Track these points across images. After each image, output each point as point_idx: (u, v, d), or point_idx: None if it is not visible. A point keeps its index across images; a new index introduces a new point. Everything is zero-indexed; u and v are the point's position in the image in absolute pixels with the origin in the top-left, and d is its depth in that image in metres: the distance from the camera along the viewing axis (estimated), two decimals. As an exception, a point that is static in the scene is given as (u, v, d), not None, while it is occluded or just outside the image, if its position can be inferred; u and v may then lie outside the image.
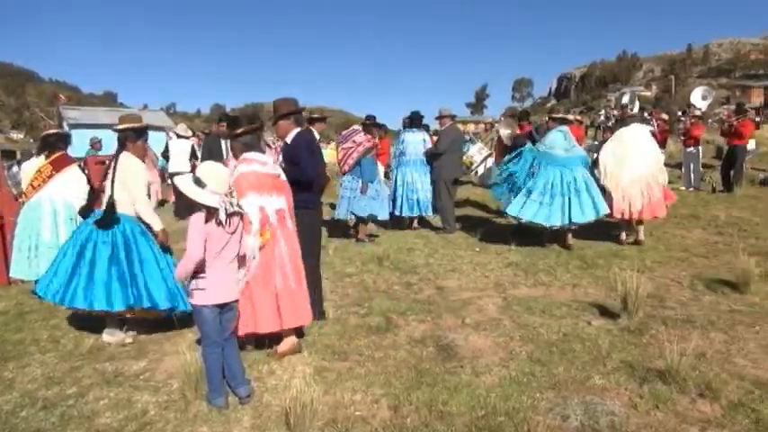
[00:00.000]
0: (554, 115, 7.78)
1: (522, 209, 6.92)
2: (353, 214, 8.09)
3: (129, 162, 4.29)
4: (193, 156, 10.67)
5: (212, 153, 7.19)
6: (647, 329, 4.30)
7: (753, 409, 3.10)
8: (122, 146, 4.37)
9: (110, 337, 4.42)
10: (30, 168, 5.85)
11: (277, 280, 3.84)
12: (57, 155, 5.69)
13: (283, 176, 4.05)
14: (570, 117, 7.86)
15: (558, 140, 7.01)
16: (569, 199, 6.75)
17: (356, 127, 8.35)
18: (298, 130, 4.58)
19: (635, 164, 7.00)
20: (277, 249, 3.87)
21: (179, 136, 11.20)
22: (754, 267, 5.16)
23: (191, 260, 3.15)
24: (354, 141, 8.00)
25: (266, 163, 3.93)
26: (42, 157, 5.73)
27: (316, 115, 7.49)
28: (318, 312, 4.76)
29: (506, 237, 7.76)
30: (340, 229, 8.51)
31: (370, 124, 8.59)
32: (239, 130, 3.90)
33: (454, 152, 8.70)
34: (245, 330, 3.78)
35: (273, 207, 3.87)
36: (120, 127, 4.41)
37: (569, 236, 7.12)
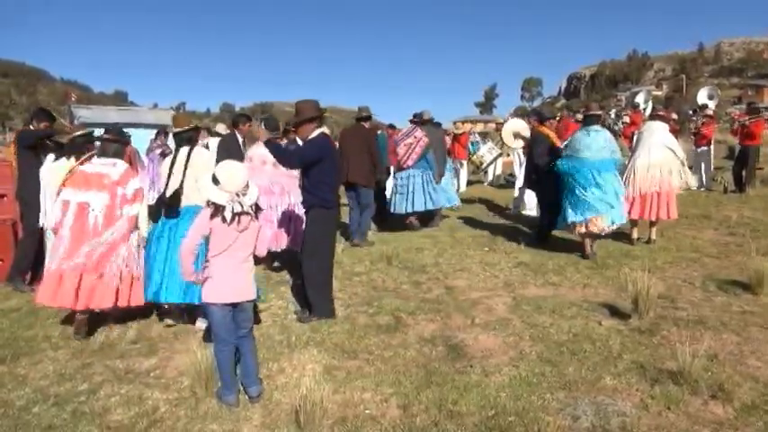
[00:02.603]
0: (587, 113, 7.04)
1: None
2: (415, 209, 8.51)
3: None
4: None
5: (230, 152, 7.21)
6: (658, 330, 4.27)
7: (766, 411, 3.07)
8: (190, 142, 4.79)
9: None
10: (48, 172, 5.76)
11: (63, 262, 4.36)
12: (87, 156, 5.69)
13: (113, 176, 4.51)
14: (599, 112, 7.22)
15: (584, 140, 6.59)
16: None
17: (412, 126, 8.74)
18: (320, 131, 4.74)
19: (653, 150, 7.08)
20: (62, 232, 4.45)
21: (219, 135, 11.21)
22: (766, 268, 5.10)
23: (182, 246, 3.31)
24: (415, 137, 8.49)
25: (96, 163, 4.64)
26: (72, 159, 5.62)
27: (365, 114, 7.99)
28: (329, 311, 4.82)
29: (516, 236, 7.75)
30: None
31: (422, 121, 8.94)
32: (106, 136, 4.77)
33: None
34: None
35: (77, 200, 4.46)
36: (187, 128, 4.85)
37: (593, 246, 6.69)
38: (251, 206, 3.26)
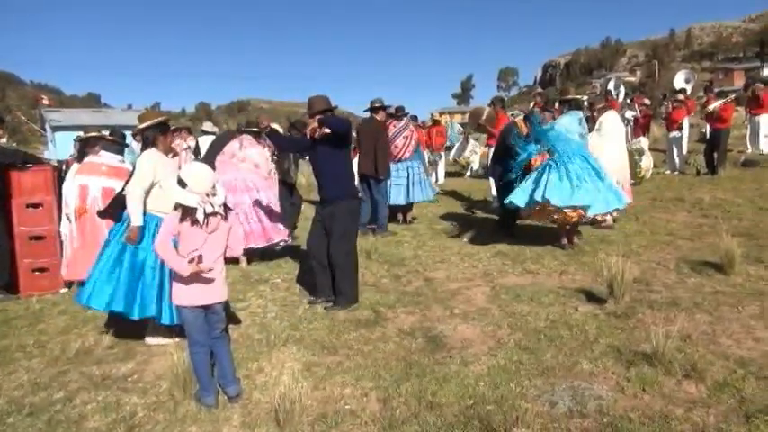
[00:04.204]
0: (566, 97, 7.04)
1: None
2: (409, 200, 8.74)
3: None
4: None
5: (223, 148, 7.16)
6: (633, 313, 4.34)
7: (737, 388, 3.13)
8: (151, 143, 4.24)
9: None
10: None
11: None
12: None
13: (126, 166, 5.56)
14: (582, 98, 7.05)
15: (574, 125, 6.51)
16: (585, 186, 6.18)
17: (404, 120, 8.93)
18: None
19: (612, 154, 7.15)
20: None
21: (206, 132, 11.08)
22: (737, 248, 5.20)
23: (157, 246, 3.23)
24: (411, 130, 8.84)
25: (109, 156, 5.65)
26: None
27: (377, 105, 8.02)
28: (356, 296, 5.01)
29: (494, 226, 7.79)
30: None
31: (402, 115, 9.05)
32: (110, 137, 5.88)
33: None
34: None
35: (99, 186, 5.46)
36: (145, 125, 4.25)
37: (575, 237, 6.62)
38: (220, 206, 3.23)
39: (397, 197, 8.62)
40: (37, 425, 3.29)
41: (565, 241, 6.58)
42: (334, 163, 4.92)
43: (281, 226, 6.63)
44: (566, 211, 6.14)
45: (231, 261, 6.08)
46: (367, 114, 8.18)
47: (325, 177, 5.00)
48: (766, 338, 3.76)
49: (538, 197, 6.19)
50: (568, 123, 6.51)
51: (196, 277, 3.18)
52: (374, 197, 7.96)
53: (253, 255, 6.58)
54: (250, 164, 6.56)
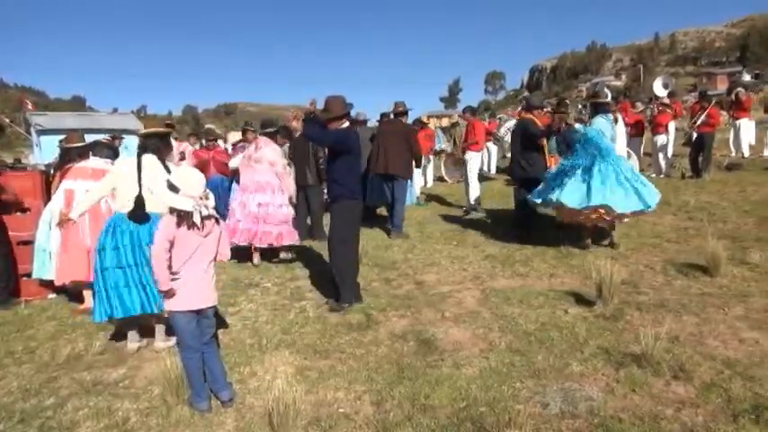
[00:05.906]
0: (597, 100, 7.01)
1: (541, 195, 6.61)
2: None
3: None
4: None
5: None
6: (621, 315, 4.40)
7: (724, 388, 3.20)
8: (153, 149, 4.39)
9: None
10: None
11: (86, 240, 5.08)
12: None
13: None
14: (605, 100, 7.13)
15: (607, 127, 6.60)
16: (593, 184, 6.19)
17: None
18: (347, 124, 5.09)
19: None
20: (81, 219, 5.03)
21: None
22: (722, 251, 5.29)
23: (153, 252, 3.21)
24: None
25: (95, 160, 5.56)
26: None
27: (401, 109, 8.38)
28: (357, 296, 5.14)
29: (483, 229, 7.84)
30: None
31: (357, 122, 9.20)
32: (104, 141, 6.05)
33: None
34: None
35: (84, 189, 5.25)
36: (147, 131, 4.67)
37: (614, 235, 6.62)
38: (213, 208, 3.24)
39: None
40: None
41: (588, 241, 6.63)
42: (334, 165, 5.09)
43: (292, 230, 6.70)
44: (585, 212, 6.25)
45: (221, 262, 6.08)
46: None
47: (328, 178, 5.30)
48: (751, 339, 3.84)
49: (553, 198, 6.40)
50: (602, 126, 6.60)
51: (188, 282, 3.18)
52: (395, 197, 8.08)
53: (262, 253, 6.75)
54: (265, 163, 6.66)
